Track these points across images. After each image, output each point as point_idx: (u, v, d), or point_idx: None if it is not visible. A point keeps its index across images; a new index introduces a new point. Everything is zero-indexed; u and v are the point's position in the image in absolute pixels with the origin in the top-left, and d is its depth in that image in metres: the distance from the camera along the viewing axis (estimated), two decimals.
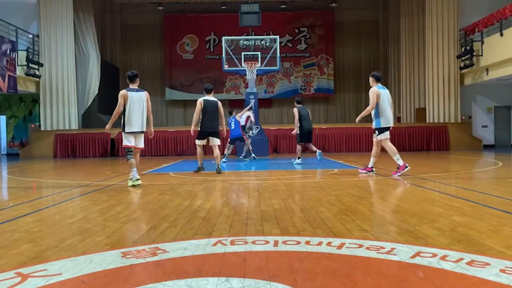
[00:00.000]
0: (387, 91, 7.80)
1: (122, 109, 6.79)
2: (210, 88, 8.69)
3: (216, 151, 8.59)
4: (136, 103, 6.76)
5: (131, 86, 6.88)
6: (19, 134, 19.53)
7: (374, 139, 7.98)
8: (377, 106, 7.59)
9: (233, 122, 12.12)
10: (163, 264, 2.70)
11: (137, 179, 6.80)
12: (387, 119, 7.64)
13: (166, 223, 3.94)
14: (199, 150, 8.72)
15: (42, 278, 2.44)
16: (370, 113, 7.79)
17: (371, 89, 7.70)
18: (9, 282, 2.39)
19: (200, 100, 8.50)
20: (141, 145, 7.02)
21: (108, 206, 5.03)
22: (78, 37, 19.00)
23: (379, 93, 7.54)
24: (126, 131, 6.80)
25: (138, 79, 6.95)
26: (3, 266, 2.71)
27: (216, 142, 8.56)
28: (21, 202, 5.48)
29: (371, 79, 7.84)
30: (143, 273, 2.52)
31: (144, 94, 6.89)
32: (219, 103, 8.65)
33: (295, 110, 10.61)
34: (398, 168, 7.67)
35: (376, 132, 7.77)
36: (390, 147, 7.73)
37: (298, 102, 10.84)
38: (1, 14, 16.32)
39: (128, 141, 6.85)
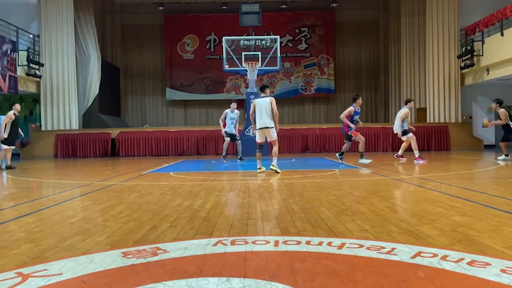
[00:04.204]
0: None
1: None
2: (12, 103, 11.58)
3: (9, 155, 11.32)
4: (260, 107, 8.59)
5: (262, 95, 8.73)
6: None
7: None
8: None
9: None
10: (163, 264, 2.70)
11: (258, 168, 8.77)
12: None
13: (167, 223, 3.94)
14: (8, 153, 11.25)
15: (42, 278, 2.45)
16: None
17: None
18: (9, 282, 2.39)
19: (10, 114, 10.95)
20: (271, 138, 8.76)
21: (108, 206, 5.03)
22: (79, 37, 18.99)
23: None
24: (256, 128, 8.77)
25: (267, 90, 8.77)
26: (3, 266, 2.71)
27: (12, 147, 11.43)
28: (21, 202, 5.49)
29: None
30: (144, 273, 2.52)
31: (268, 99, 8.55)
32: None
33: (503, 112, 11.44)
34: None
35: None
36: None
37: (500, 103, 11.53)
38: (2, 14, 16.32)
39: (257, 138, 8.91)
